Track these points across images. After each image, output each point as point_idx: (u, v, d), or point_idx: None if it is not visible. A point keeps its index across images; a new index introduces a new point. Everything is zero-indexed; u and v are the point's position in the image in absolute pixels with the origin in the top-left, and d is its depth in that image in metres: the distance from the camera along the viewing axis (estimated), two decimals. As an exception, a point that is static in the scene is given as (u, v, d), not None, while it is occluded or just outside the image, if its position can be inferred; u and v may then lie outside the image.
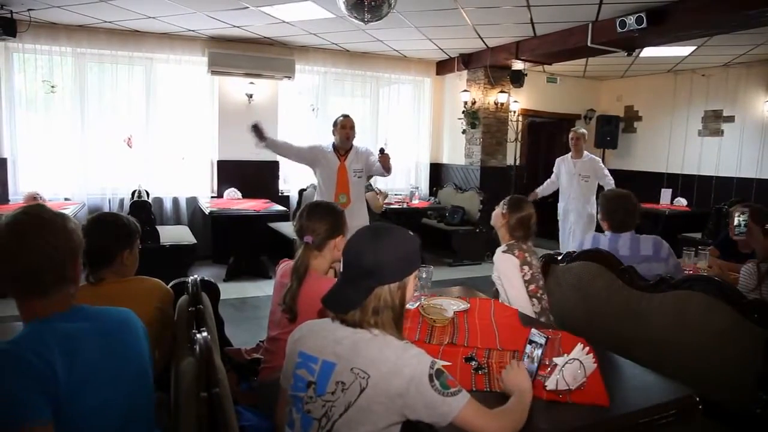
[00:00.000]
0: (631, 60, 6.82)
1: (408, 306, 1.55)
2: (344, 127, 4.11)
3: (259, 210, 5.73)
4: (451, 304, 2.31)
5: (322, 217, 2.06)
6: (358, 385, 1.26)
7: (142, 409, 1.32)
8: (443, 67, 7.79)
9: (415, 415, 1.27)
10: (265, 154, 6.85)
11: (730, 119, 7.10)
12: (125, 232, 1.90)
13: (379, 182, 6.91)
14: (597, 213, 3.11)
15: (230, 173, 6.74)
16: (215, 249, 6.54)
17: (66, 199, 5.92)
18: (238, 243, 5.85)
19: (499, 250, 2.54)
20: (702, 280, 2.16)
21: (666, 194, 7.20)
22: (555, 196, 5.99)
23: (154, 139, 6.38)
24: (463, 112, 7.37)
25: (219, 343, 2.06)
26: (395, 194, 7.09)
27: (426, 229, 7.05)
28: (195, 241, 5.61)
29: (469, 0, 4.75)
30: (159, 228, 5.50)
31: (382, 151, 4.01)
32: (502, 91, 7.25)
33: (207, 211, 5.77)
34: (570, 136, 5.79)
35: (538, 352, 1.57)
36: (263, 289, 5.36)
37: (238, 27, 5.90)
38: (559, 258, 2.85)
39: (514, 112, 7.70)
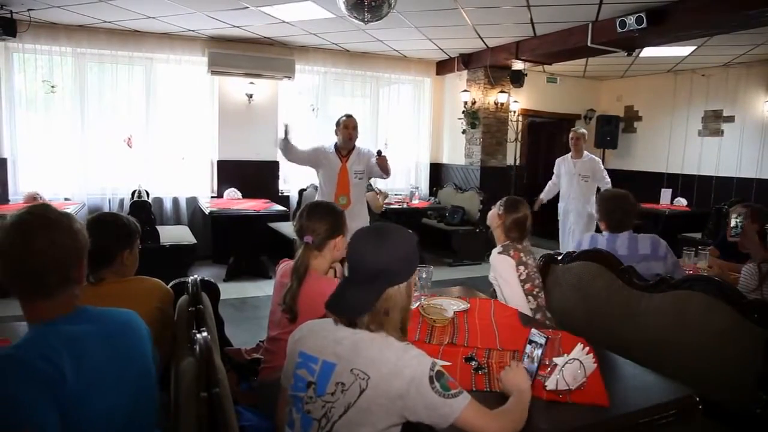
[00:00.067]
0: (631, 60, 6.82)
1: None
2: (347, 127, 4.10)
3: (259, 210, 5.73)
4: (451, 304, 2.31)
5: (322, 217, 2.06)
6: (358, 386, 1.26)
7: (147, 411, 1.32)
8: (443, 67, 7.79)
9: (415, 416, 1.27)
10: (265, 154, 6.90)
11: (730, 119, 7.10)
12: (125, 232, 1.90)
13: (379, 182, 6.91)
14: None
15: (230, 173, 6.74)
16: (215, 249, 6.54)
17: (66, 199, 5.91)
18: (238, 243, 5.85)
19: (494, 251, 2.57)
20: (702, 280, 2.16)
21: (666, 194, 7.20)
22: (555, 195, 5.99)
23: (154, 139, 6.38)
24: (463, 112, 7.37)
25: (219, 343, 2.06)
26: (395, 194, 7.09)
27: (426, 229, 7.05)
28: (195, 241, 5.61)
29: (469, 0, 4.75)
30: (159, 228, 5.50)
31: (379, 153, 4.01)
32: (502, 91, 7.25)
33: (207, 211, 5.77)
34: (570, 136, 5.80)
35: (538, 352, 1.57)
36: (263, 289, 5.36)
37: (238, 27, 5.90)
38: (559, 258, 2.85)
39: (514, 112, 7.70)
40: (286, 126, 4.12)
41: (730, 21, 4.58)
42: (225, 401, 1.29)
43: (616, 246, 2.70)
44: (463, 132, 7.54)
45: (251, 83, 6.61)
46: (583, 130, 5.82)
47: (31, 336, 1.17)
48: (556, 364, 1.56)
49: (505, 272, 2.47)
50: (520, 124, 7.83)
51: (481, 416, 1.28)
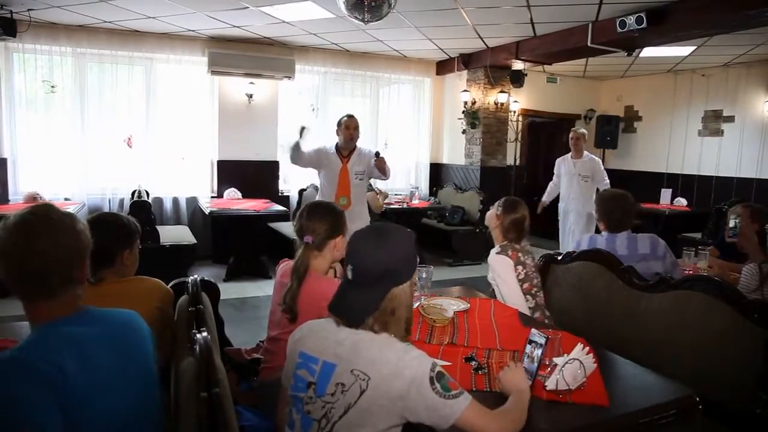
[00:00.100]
0: (631, 60, 6.82)
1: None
2: (348, 128, 4.09)
3: (259, 210, 5.73)
4: (451, 304, 2.31)
5: (322, 217, 2.06)
6: (358, 387, 1.26)
7: (149, 412, 1.31)
8: (443, 67, 7.79)
9: (415, 417, 1.27)
10: (265, 154, 6.90)
11: (730, 119, 7.10)
12: (125, 232, 1.90)
13: (379, 182, 6.90)
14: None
15: (230, 173, 6.74)
16: (215, 249, 6.54)
17: (66, 199, 5.91)
18: (238, 243, 5.85)
19: (493, 252, 2.58)
20: (702, 280, 2.16)
21: (666, 194, 7.20)
22: (556, 196, 5.99)
23: (154, 139, 6.38)
24: (463, 112, 7.37)
25: (219, 343, 2.06)
26: (395, 194, 7.09)
27: (426, 229, 7.05)
28: (195, 241, 5.61)
29: (469, 0, 4.75)
30: (159, 228, 5.50)
31: (377, 155, 4.00)
32: (502, 91, 7.25)
33: (207, 211, 5.76)
34: (570, 136, 5.80)
35: (538, 352, 1.57)
36: (263, 289, 5.36)
37: (238, 27, 5.90)
38: (559, 258, 2.85)
39: (514, 112, 7.70)
40: (303, 128, 4.05)
41: (730, 21, 4.58)
42: (225, 401, 1.29)
43: (616, 246, 2.70)
44: (463, 132, 7.54)
45: (251, 83, 6.61)
46: (583, 130, 5.82)
47: (33, 338, 1.16)
48: (556, 364, 1.56)
49: (503, 272, 2.49)
50: (520, 124, 7.83)
51: (481, 416, 1.28)
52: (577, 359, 1.55)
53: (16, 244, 1.15)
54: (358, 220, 3.93)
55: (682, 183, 7.63)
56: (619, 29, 4.88)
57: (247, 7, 5.03)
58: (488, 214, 2.68)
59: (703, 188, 7.37)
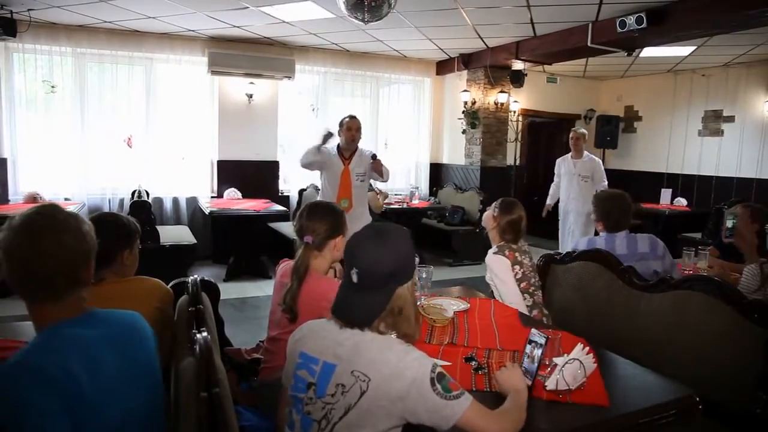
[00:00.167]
0: (631, 60, 6.82)
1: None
2: (350, 129, 4.09)
3: (259, 210, 5.73)
4: (451, 304, 2.31)
5: (322, 217, 2.06)
6: (359, 388, 1.26)
7: (157, 414, 1.30)
8: (443, 67, 7.79)
9: (415, 418, 1.27)
10: (265, 154, 6.90)
11: (730, 119, 7.10)
12: (125, 232, 1.90)
13: (379, 182, 6.91)
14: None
15: (230, 173, 6.74)
16: (215, 249, 6.54)
17: (66, 199, 5.92)
18: (238, 243, 5.85)
19: (490, 252, 2.60)
20: (702, 280, 2.16)
21: (666, 194, 7.20)
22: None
23: (154, 139, 6.38)
24: (463, 112, 7.37)
25: (219, 343, 2.06)
26: (395, 194, 7.09)
27: (426, 229, 7.05)
28: (195, 241, 5.61)
29: (469, 0, 4.75)
30: (159, 228, 5.50)
31: (374, 157, 4.00)
32: (502, 91, 7.25)
33: (207, 211, 5.77)
34: (570, 136, 5.80)
35: (538, 352, 1.56)
36: (263, 289, 5.36)
37: (238, 27, 5.90)
38: (559, 258, 2.85)
39: (514, 112, 7.70)
40: (330, 133, 4.03)
41: (730, 21, 4.59)
42: (225, 401, 1.29)
43: (615, 246, 2.71)
44: (463, 132, 7.54)
45: (251, 83, 6.61)
46: (583, 130, 5.82)
47: (39, 341, 1.14)
48: (556, 364, 1.56)
49: (501, 272, 2.51)
50: (520, 124, 7.83)
51: (482, 417, 1.28)
52: (577, 359, 1.55)
53: (21, 246, 1.13)
54: (359, 221, 3.91)
55: (682, 183, 7.63)
56: (619, 29, 4.88)
57: (247, 7, 5.03)
58: (485, 215, 2.71)
59: (703, 188, 7.37)
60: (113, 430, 1.14)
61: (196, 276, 2.00)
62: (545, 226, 6.62)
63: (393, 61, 7.55)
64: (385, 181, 4.33)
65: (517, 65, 6.99)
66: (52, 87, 5.93)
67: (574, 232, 5.71)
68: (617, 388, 1.64)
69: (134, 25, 5.90)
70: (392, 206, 6.39)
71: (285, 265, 2.15)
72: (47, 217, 1.17)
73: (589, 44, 5.44)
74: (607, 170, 5.94)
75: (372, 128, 7.52)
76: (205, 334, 1.39)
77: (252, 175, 6.77)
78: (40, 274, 1.14)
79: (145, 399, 1.25)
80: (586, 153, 5.78)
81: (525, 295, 2.49)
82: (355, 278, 1.33)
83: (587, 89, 8.74)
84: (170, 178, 6.52)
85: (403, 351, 1.30)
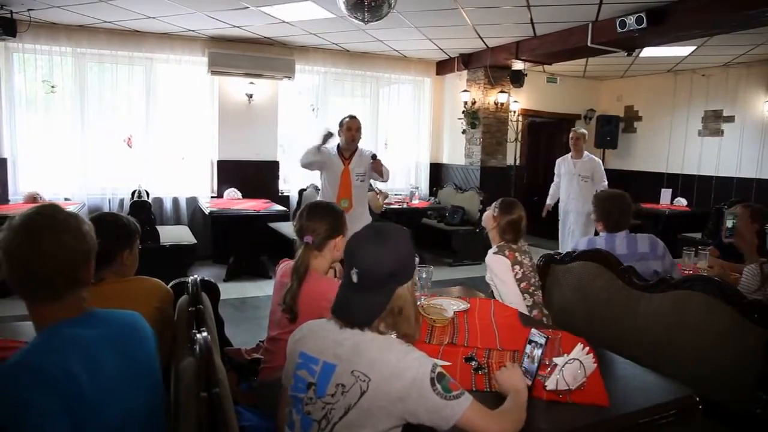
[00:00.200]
0: (631, 60, 6.82)
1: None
2: (350, 129, 4.09)
3: (259, 210, 5.73)
4: (451, 304, 2.31)
5: (322, 217, 2.06)
6: (359, 388, 1.26)
7: (157, 414, 1.30)
8: (443, 67, 7.79)
9: (415, 418, 1.26)
10: (265, 154, 6.90)
11: (730, 119, 7.10)
12: (125, 232, 1.90)
13: (378, 182, 6.92)
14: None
15: (230, 173, 6.74)
16: (215, 249, 6.54)
17: (66, 199, 5.92)
18: (238, 243, 5.85)
19: (490, 252, 2.60)
20: (702, 280, 2.16)
21: (666, 194, 7.20)
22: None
23: (154, 139, 6.38)
24: (463, 112, 7.37)
25: (219, 343, 2.06)
26: (395, 194, 7.09)
27: (426, 229, 7.05)
28: (195, 241, 5.61)
29: (469, 0, 4.75)
30: (159, 228, 5.50)
31: (374, 157, 3.99)
32: (502, 91, 7.25)
33: (207, 211, 5.76)
34: (570, 136, 5.80)
35: (538, 352, 1.56)
36: (263, 289, 5.36)
37: (238, 27, 5.90)
38: (559, 258, 2.85)
39: (514, 112, 7.70)
40: (330, 134, 4.04)
41: (730, 21, 4.59)
42: (225, 401, 1.29)
43: (615, 245, 2.71)
44: (463, 132, 7.54)
45: (251, 83, 6.61)
46: (583, 130, 5.82)
47: (39, 341, 1.14)
48: (556, 364, 1.56)
49: (501, 272, 2.51)
50: (520, 124, 7.83)
51: (482, 417, 1.28)
52: (577, 359, 1.55)
53: (21, 246, 1.13)
54: (359, 221, 3.91)
55: (682, 183, 7.63)
56: (619, 29, 4.88)
57: (247, 7, 5.03)
58: (485, 215, 2.72)
59: (703, 188, 7.37)
60: (113, 430, 1.14)
61: (196, 276, 2.00)
62: (545, 226, 6.63)
63: (393, 61, 7.55)
64: (385, 181, 4.32)
65: (517, 65, 6.99)
66: (52, 87, 5.93)
67: (574, 232, 5.71)
68: (617, 388, 1.64)
69: (134, 25, 5.90)
70: (392, 206, 6.40)
71: (285, 265, 2.15)
72: (47, 217, 1.17)
73: (589, 44, 5.44)
74: (607, 170, 5.94)
75: (372, 128, 7.52)
76: (205, 334, 1.39)
77: (252, 175, 6.77)
78: (40, 274, 1.14)
79: (145, 399, 1.25)
80: (586, 153, 5.78)
81: (525, 295, 2.49)
82: (355, 278, 1.33)
83: (587, 89, 8.74)
84: (170, 178, 6.52)
85: (403, 351, 1.30)
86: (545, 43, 6.00)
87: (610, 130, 8.08)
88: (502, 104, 7.33)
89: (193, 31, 6.14)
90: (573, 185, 5.74)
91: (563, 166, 5.88)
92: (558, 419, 1.47)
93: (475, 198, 7.01)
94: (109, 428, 1.13)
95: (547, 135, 8.88)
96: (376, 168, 4.02)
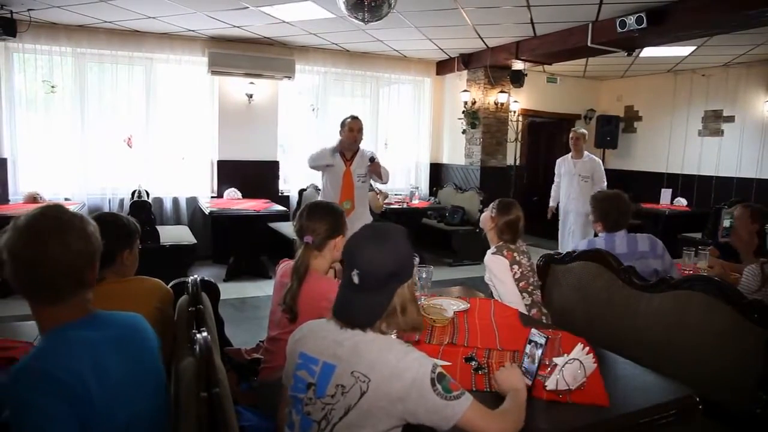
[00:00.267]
0: (631, 60, 6.82)
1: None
2: (352, 130, 4.08)
3: (259, 210, 5.73)
4: (451, 304, 2.31)
5: (322, 217, 2.07)
6: (359, 389, 1.26)
7: (159, 414, 1.30)
8: (443, 67, 7.79)
9: (415, 419, 1.26)
10: (265, 154, 6.90)
11: (730, 119, 7.10)
12: (125, 232, 1.90)
13: (378, 183, 6.92)
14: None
15: (230, 173, 6.73)
16: (215, 249, 6.53)
17: (66, 199, 5.91)
18: (238, 243, 5.85)
19: (488, 253, 2.61)
20: (702, 280, 2.16)
21: (666, 194, 7.20)
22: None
23: (154, 139, 6.38)
24: (463, 112, 7.37)
25: (219, 343, 2.06)
26: (395, 194, 7.09)
27: (426, 229, 7.05)
28: (195, 241, 5.61)
29: (469, 0, 4.75)
30: (159, 228, 5.50)
31: (372, 159, 4.00)
32: (502, 91, 7.25)
33: (207, 211, 5.77)
34: (570, 136, 5.81)
35: (538, 352, 1.56)
36: (263, 289, 5.36)
37: (238, 27, 5.90)
38: (559, 258, 2.85)
39: (514, 112, 7.70)
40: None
41: (730, 21, 4.59)
42: (225, 401, 1.28)
43: (615, 245, 2.71)
44: (463, 132, 7.54)
45: (251, 83, 6.61)
46: (583, 130, 5.82)
47: (47, 345, 1.14)
48: (556, 364, 1.56)
49: (500, 272, 2.52)
50: (520, 124, 7.83)
51: (482, 417, 1.28)
52: (577, 359, 1.55)
53: (25, 247, 1.12)
54: (359, 221, 3.90)
55: (682, 183, 7.63)
56: (619, 29, 4.88)
57: (247, 7, 5.03)
58: (483, 216, 2.73)
59: (703, 188, 7.37)
60: (118, 429, 1.14)
61: (196, 276, 2.00)
62: (545, 226, 6.63)
63: (393, 61, 7.55)
64: (385, 183, 4.32)
65: (517, 65, 6.98)
66: (52, 87, 5.93)
67: (575, 233, 5.71)
68: (617, 388, 1.64)
69: (134, 25, 5.90)
70: (392, 206, 6.39)
71: (285, 265, 2.15)
72: (53, 219, 1.16)
73: (589, 44, 5.44)
74: (607, 170, 5.94)
75: (372, 128, 7.51)
76: (205, 334, 1.39)
77: (252, 175, 6.77)
78: (45, 277, 1.13)
79: (150, 402, 1.25)
80: (586, 153, 5.79)
81: (524, 294, 2.50)
82: (356, 279, 1.33)
83: (587, 89, 8.74)
84: (170, 178, 6.51)
85: (402, 351, 1.30)
86: (545, 43, 6.00)
87: (610, 130, 8.08)
88: (502, 104, 7.33)
89: (193, 31, 6.14)
90: (573, 185, 5.74)
91: (563, 166, 5.88)
92: (558, 419, 1.47)
93: (475, 198, 7.01)
94: (114, 427, 1.13)
95: (547, 135, 8.88)
96: (375, 170, 4.03)
